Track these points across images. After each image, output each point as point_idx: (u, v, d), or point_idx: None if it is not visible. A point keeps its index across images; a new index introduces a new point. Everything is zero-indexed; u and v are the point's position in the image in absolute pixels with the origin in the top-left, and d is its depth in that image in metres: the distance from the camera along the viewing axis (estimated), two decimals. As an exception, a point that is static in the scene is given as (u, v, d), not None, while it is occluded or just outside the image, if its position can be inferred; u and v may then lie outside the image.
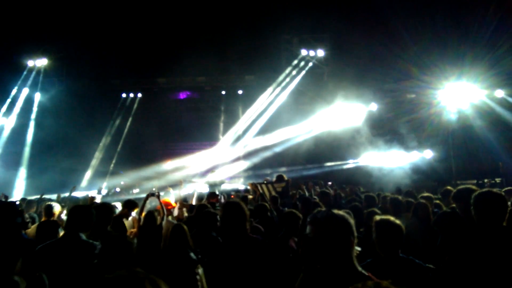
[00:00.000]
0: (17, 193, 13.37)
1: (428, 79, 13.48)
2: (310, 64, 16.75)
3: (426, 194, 5.61)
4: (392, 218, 2.64)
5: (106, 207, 3.93)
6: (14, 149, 14.89)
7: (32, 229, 4.90)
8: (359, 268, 1.76)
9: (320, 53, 16.52)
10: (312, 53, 16.56)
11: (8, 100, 15.29)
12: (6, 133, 15.01)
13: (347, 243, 1.75)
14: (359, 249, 2.90)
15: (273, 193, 6.51)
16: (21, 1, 13.11)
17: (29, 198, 8.47)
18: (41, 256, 2.79)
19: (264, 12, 15.24)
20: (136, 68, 16.81)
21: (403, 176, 12.48)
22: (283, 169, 13.88)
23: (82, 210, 3.16)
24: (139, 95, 18.01)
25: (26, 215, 5.85)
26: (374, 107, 15.51)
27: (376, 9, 13.51)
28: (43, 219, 5.08)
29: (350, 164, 15.63)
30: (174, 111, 18.11)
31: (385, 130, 14.90)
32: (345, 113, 15.24)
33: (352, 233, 1.78)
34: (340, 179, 13.04)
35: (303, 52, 16.58)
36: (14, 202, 3.21)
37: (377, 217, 2.70)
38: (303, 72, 16.80)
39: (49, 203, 6.56)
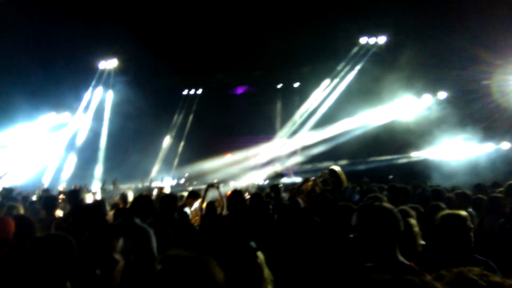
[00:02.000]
0: (96, 185, 14.72)
1: (503, 63, 12.19)
2: (370, 52, 15.99)
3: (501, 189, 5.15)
4: (461, 212, 2.49)
5: (172, 196, 4.22)
6: (91, 146, 16.36)
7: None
8: (404, 260, 1.74)
9: (382, 40, 15.67)
10: (372, 40, 15.79)
11: (84, 101, 16.79)
12: (84, 131, 16.54)
13: (389, 235, 1.73)
14: (422, 242, 2.78)
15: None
16: (90, 5, 14.20)
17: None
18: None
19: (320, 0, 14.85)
20: (195, 65, 17.47)
21: (475, 170, 11.47)
22: (344, 162, 13.57)
23: (142, 199, 3.44)
24: (199, 91, 18.72)
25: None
26: (442, 95, 14.44)
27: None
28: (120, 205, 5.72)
29: (415, 157, 14.77)
30: (233, 106, 18.54)
31: (454, 120, 13.77)
32: (409, 103, 14.41)
33: (395, 226, 1.75)
34: (404, 173, 12.39)
35: (363, 40, 15.87)
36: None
37: (445, 211, 2.57)
38: (363, 61, 16.12)
39: (124, 192, 7.24)
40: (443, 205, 3.82)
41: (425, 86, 13.77)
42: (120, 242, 1.85)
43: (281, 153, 16.35)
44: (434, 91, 14.30)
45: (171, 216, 3.96)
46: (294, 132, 17.07)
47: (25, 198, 7.53)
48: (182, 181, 15.05)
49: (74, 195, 5.56)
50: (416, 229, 2.65)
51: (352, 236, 1.90)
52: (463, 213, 2.47)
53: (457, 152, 13.50)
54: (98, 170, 16.17)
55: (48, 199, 5.40)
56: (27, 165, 14.24)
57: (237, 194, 5.26)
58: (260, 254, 2.33)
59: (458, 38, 11.88)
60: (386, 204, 1.84)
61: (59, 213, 5.65)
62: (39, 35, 13.46)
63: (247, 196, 7.04)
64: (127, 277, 2.54)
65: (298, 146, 16.68)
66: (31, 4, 12.88)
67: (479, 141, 13.45)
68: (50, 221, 4.34)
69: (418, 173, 12.21)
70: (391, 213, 1.79)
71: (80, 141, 16.36)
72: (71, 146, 16.08)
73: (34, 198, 8.12)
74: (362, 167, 13.89)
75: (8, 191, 7.82)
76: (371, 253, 1.76)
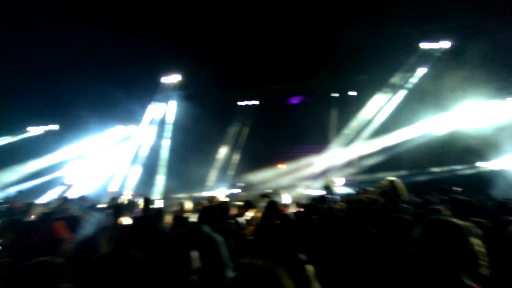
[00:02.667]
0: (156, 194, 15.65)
1: None
2: (433, 57, 15.15)
3: None
4: None
5: (222, 206, 4.42)
6: (155, 157, 17.43)
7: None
8: (471, 284, 1.62)
9: (446, 44, 14.81)
10: (435, 45, 14.98)
11: (148, 114, 17.98)
12: (148, 143, 17.68)
13: (456, 253, 1.64)
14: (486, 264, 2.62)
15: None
16: (154, 23, 15.25)
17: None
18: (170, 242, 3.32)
19: (379, 5, 14.42)
20: (252, 77, 17.89)
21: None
22: (403, 172, 12.93)
23: (207, 209, 3.66)
24: (255, 102, 19.10)
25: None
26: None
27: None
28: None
29: (484, 167, 13.59)
30: (288, 116, 18.61)
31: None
32: (477, 109, 13.36)
33: (464, 244, 1.65)
34: (471, 185, 11.44)
35: (425, 45, 15.11)
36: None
37: None
38: (426, 67, 15.32)
39: (181, 200, 7.62)
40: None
41: (494, 91, 12.66)
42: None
43: (336, 163, 16.02)
44: (504, 97, 13.09)
45: (222, 225, 4.13)
46: (350, 142, 16.66)
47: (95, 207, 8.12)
48: (237, 190, 15.39)
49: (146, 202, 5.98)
50: (479, 248, 2.49)
51: (412, 249, 1.84)
52: None
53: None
54: (160, 180, 17.14)
55: (116, 207, 5.88)
56: (97, 175, 15.62)
57: (272, 204, 5.30)
58: (309, 267, 2.36)
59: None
60: (454, 219, 1.75)
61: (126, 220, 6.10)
62: (109, 51, 14.75)
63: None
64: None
65: (354, 156, 16.23)
66: (98, 19, 14.11)
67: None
68: (116, 228, 4.74)
69: (485, 184, 11.21)
70: (459, 228, 1.70)
71: (144, 152, 17.49)
72: (136, 157, 17.27)
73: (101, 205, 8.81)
74: (422, 178, 13.09)
75: (80, 200, 8.59)
76: (435, 271, 1.67)
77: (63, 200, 8.65)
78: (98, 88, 14.29)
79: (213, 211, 3.67)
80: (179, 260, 2.51)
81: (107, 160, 16.57)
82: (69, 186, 10.99)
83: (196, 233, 3.38)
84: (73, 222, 3.81)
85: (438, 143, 13.68)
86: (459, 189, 10.10)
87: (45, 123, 17.38)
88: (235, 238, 4.07)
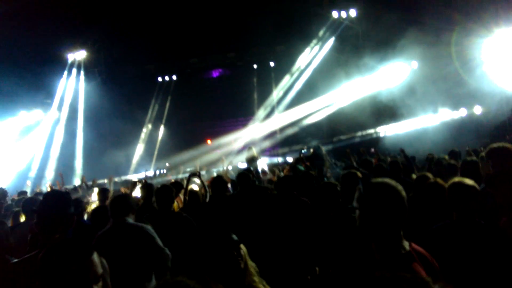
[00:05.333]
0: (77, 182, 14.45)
1: (475, 27, 12.23)
2: (342, 26, 15.97)
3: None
4: (467, 180, 2.54)
5: (166, 188, 4.25)
6: (69, 141, 15.95)
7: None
8: (405, 245, 1.71)
9: (353, 13, 15.65)
10: (344, 14, 15.75)
11: (55, 96, 16.20)
12: (60, 127, 16.06)
13: (395, 215, 1.68)
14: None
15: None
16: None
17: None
18: (101, 243, 3.05)
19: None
20: (168, 51, 17.05)
21: (449, 137, 11.77)
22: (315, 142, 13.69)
23: (120, 198, 3.39)
24: (174, 77, 18.36)
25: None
26: (415, 65, 14.65)
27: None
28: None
29: (389, 129, 15.07)
30: (209, 90, 18.31)
31: (428, 88, 13.98)
32: (383, 74, 14.58)
33: (402, 205, 1.68)
34: (381, 147, 12.64)
35: (334, 14, 15.82)
36: (64, 192, 3.44)
37: (456, 179, 2.61)
38: (335, 35, 16.12)
39: (103, 187, 7.10)
40: (429, 175, 3.85)
41: (398, 56, 13.85)
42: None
43: (259, 136, 16.41)
44: (407, 61, 14.43)
45: (168, 210, 4.06)
46: (271, 113, 17.14)
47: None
48: (163, 171, 14.93)
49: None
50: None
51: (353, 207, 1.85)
52: (470, 181, 2.52)
53: (430, 120, 13.83)
54: (78, 166, 15.83)
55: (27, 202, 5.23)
56: (6, 167, 13.85)
57: (219, 180, 5.28)
58: (243, 246, 2.37)
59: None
60: (390, 180, 1.76)
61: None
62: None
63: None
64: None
65: (274, 127, 16.76)
66: None
67: (452, 107, 13.82)
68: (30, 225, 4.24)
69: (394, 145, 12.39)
70: (396, 190, 1.70)
71: (57, 137, 15.89)
72: (49, 143, 15.62)
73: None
74: (341, 143, 14.12)
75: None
76: (375, 233, 1.70)
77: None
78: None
79: (128, 200, 3.44)
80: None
81: (16, 151, 14.70)
82: None
83: (123, 228, 3.16)
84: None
85: (352, 109, 14.66)
86: (373, 150, 11.03)
87: None
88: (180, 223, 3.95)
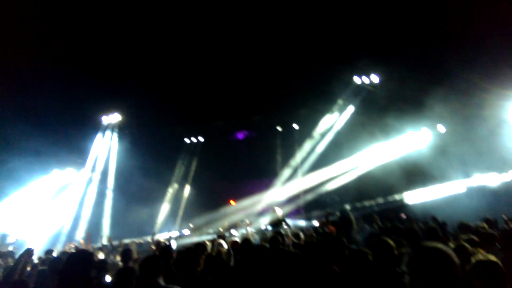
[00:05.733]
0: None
1: (502, 88, 12.20)
2: (365, 90, 16.38)
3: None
4: (493, 257, 2.40)
5: (191, 251, 4.15)
6: (99, 200, 16.32)
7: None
8: None
9: (375, 78, 16.12)
10: (366, 79, 16.25)
11: (89, 156, 16.96)
12: (91, 187, 16.61)
13: (448, 281, 1.63)
14: None
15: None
16: (87, 62, 14.71)
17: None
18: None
19: (313, 42, 15.36)
20: (195, 114, 17.81)
21: (481, 203, 11.18)
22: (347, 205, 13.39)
23: (152, 259, 3.36)
24: (201, 139, 18.93)
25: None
26: (442, 128, 14.55)
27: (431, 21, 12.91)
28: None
29: (418, 194, 14.59)
30: (234, 152, 18.66)
31: (457, 151, 13.65)
32: (409, 138, 14.53)
33: (453, 270, 1.65)
34: (409, 212, 12.12)
35: (356, 79, 16.33)
36: (87, 254, 3.40)
37: (480, 256, 2.46)
38: (358, 99, 16.48)
39: (126, 248, 7.04)
40: (467, 245, 3.67)
41: (422, 119, 13.85)
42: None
43: (282, 198, 16.25)
44: (432, 126, 14.40)
45: (193, 273, 3.90)
46: (294, 175, 17.11)
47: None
48: (186, 232, 14.80)
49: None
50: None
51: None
52: (494, 258, 2.40)
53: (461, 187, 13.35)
54: (106, 225, 15.97)
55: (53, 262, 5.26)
56: (42, 228, 14.14)
57: (247, 243, 5.16)
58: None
59: (452, 67, 12.01)
60: (441, 245, 1.75)
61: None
62: (35, 92, 13.77)
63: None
64: None
65: (298, 190, 16.62)
66: (31, 54, 13.22)
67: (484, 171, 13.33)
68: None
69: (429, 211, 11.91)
70: (450, 256, 1.69)
71: (90, 197, 16.33)
72: (81, 202, 16.02)
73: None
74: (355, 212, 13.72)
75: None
76: None
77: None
78: (31, 130, 13.15)
79: (158, 261, 3.38)
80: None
81: (49, 210, 15.11)
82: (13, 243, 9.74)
83: None
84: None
85: (380, 173, 14.40)
86: (404, 216, 10.60)
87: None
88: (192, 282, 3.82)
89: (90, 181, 16.56)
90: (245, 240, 5.39)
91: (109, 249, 8.63)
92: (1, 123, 12.95)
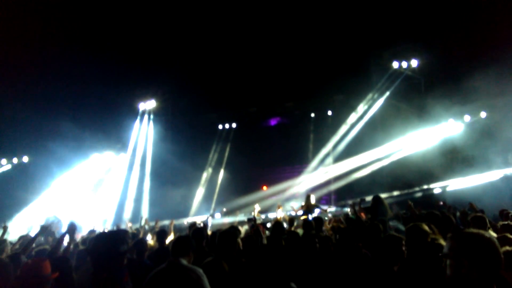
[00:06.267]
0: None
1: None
2: (403, 75, 15.72)
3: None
4: None
5: (229, 233, 4.23)
6: (139, 184, 17.17)
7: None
8: None
9: (414, 63, 15.42)
10: (404, 64, 15.58)
11: (128, 141, 17.72)
12: (135, 171, 17.44)
13: (491, 267, 1.62)
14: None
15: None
16: (126, 51, 15.19)
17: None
18: (152, 281, 3.12)
19: (350, 28, 14.91)
20: (229, 100, 17.97)
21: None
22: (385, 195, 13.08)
23: (182, 239, 3.48)
24: (234, 125, 19.13)
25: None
26: (483, 115, 13.77)
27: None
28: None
29: (454, 183, 14.00)
30: (267, 138, 18.70)
31: (496, 140, 12.88)
32: (449, 124, 13.89)
33: (497, 258, 1.64)
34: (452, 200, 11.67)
35: (395, 64, 15.70)
36: (118, 231, 3.55)
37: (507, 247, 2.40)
38: (395, 85, 15.87)
39: (161, 229, 7.30)
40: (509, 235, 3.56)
41: (463, 108, 13.20)
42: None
43: (314, 184, 16.16)
44: (473, 112, 13.67)
45: (229, 254, 3.93)
46: (327, 162, 16.92)
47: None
48: (218, 215, 15.20)
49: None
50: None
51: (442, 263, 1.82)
52: None
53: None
54: (145, 207, 16.70)
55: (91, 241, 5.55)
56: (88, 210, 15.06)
57: (279, 225, 5.24)
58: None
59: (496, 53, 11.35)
60: (485, 232, 1.73)
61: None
62: (79, 81, 14.47)
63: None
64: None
65: (331, 176, 16.43)
66: (71, 45, 13.85)
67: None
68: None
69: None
70: (494, 242, 1.67)
71: (133, 181, 17.13)
72: (124, 186, 16.84)
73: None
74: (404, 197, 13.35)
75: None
76: (470, 284, 1.64)
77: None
78: (73, 118, 13.91)
79: (188, 241, 3.48)
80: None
81: (92, 192, 16.05)
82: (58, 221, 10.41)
83: (174, 269, 3.19)
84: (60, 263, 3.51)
85: (417, 161, 13.94)
86: (441, 203, 10.28)
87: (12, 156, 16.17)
88: (229, 262, 3.92)
89: (130, 165, 17.28)
90: (277, 223, 5.47)
91: (146, 230, 9.05)
92: (48, 115, 13.77)
